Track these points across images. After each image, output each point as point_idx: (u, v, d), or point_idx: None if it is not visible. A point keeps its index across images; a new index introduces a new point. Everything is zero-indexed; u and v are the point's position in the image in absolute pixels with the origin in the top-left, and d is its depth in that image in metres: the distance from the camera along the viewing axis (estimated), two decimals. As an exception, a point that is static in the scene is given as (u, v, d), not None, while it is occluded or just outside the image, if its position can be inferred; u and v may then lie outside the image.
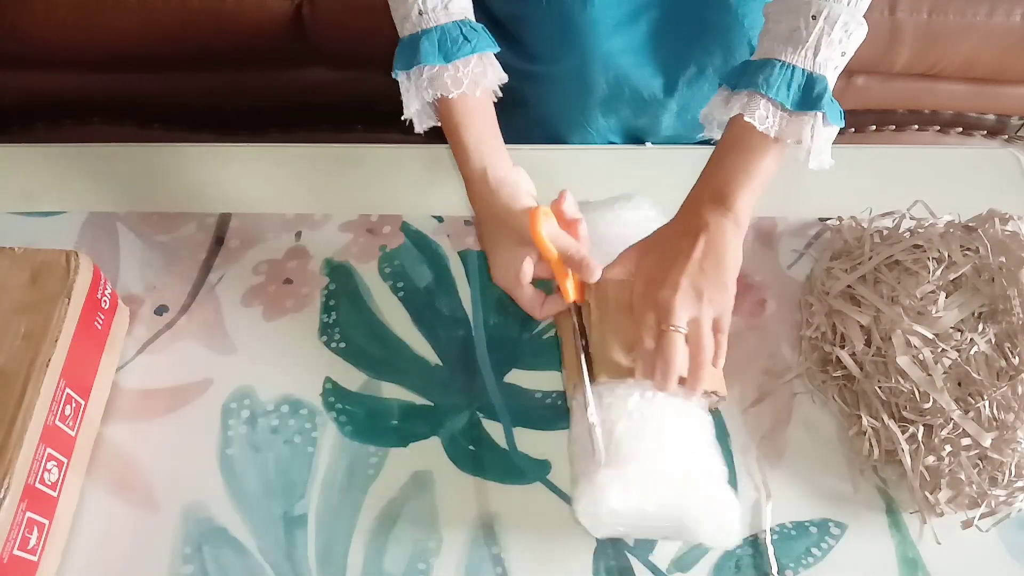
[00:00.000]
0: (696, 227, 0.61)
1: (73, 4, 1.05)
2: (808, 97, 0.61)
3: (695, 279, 0.59)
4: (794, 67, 0.61)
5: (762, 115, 0.61)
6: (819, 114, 0.61)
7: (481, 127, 0.66)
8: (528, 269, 0.62)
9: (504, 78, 0.68)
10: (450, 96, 0.64)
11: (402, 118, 0.67)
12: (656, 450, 0.57)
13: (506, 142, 0.88)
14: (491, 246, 0.65)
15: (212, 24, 1.07)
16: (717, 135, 0.67)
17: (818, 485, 0.63)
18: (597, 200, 0.72)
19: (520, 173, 0.66)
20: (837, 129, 0.63)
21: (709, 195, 0.62)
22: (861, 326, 0.66)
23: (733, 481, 0.63)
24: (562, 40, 0.81)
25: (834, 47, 0.61)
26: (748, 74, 0.62)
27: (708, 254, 0.60)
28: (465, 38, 0.65)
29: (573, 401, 0.62)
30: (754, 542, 0.61)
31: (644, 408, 0.59)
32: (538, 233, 0.60)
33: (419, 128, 0.69)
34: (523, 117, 0.92)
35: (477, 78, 0.65)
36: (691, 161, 0.81)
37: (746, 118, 0.61)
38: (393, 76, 0.66)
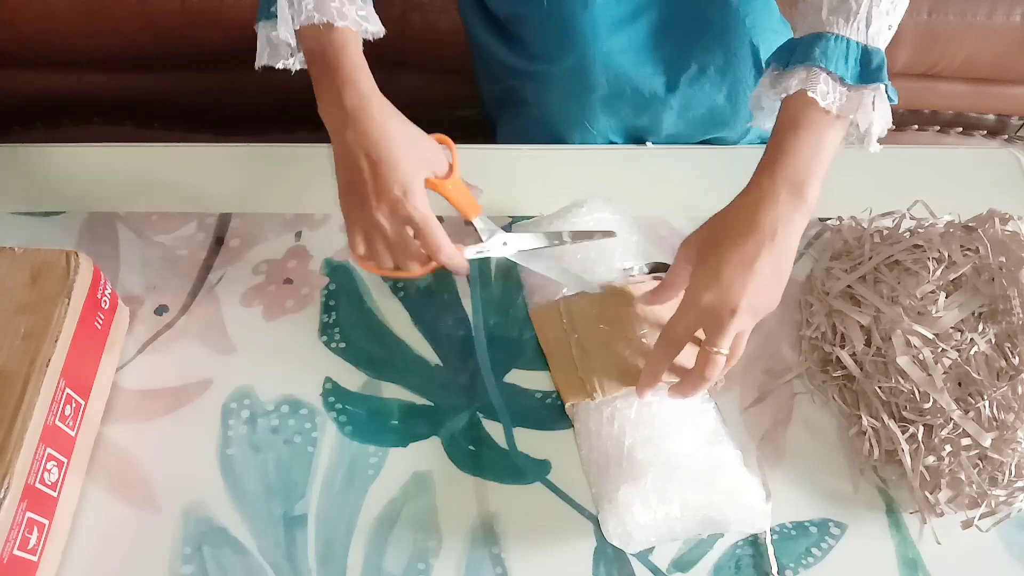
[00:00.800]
0: (769, 228, 0.56)
1: (73, 4, 1.05)
2: (867, 70, 0.57)
3: (754, 299, 0.56)
4: (848, 40, 0.57)
5: (824, 90, 0.56)
6: (881, 87, 0.57)
7: (365, 62, 0.62)
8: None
9: (380, 33, 0.65)
10: (335, 24, 0.61)
11: (256, 24, 0.65)
12: (668, 454, 0.57)
13: (507, 142, 0.88)
14: (405, 166, 0.60)
15: (212, 24, 1.07)
16: (766, 123, 0.63)
17: (818, 485, 0.63)
18: (550, 213, 0.72)
19: None
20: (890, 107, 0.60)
21: (786, 186, 0.57)
22: (861, 326, 0.66)
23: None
24: (562, 39, 0.81)
25: (883, 19, 0.57)
26: (801, 49, 0.58)
27: (775, 265, 0.56)
28: None
29: (576, 422, 0.63)
30: (754, 542, 0.61)
31: (647, 414, 0.59)
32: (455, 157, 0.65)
33: (260, 62, 0.67)
34: (524, 117, 0.92)
35: (361, 21, 0.63)
36: (692, 161, 0.81)
37: (809, 93, 0.56)
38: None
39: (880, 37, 0.58)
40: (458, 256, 0.64)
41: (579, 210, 0.70)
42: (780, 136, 0.58)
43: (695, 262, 0.59)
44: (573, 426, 0.64)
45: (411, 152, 0.61)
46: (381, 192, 0.60)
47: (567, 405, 0.64)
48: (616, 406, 0.60)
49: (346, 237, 0.75)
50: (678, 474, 0.57)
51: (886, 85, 0.57)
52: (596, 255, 0.68)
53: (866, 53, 0.57)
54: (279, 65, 0.67)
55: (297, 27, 0.62)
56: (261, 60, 0.67)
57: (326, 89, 0.62)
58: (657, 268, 0.67)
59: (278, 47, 0.65)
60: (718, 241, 0.57)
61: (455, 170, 0.66)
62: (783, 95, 0.58)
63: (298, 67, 0.67)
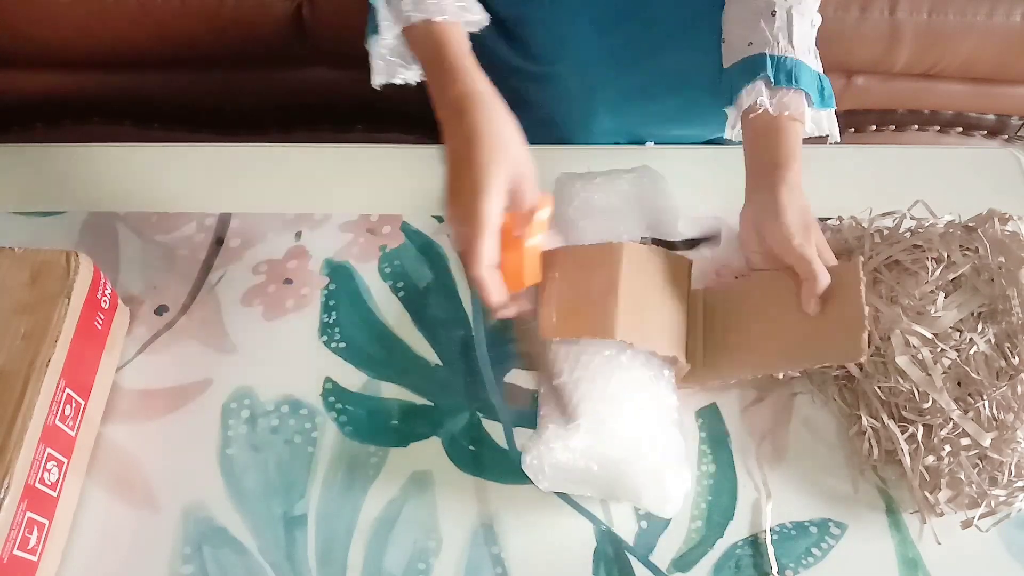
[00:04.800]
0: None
1: (73, 4, 1.05)
2: (823, 96, 0.67)
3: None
4: (809, 68, 0.67)
5: (808, 114, 0.66)
6: (832, 111, 0.68)
7: (470, 53, 0.62)
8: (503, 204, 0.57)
9: (485, 21, 0.66)
10: (434, 20, 0.62)
11: (367, 43, 0.64)
12: (609, 413, 0.58)
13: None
14: (484, 164, 0.56)
15: (212, 24, 1.07)
16: (735, 125, 0.70)
17: (818, 485, 0.63)
18: (602, 171, 0.73)
19: None
20: None
21: (798, 182, 0.65)
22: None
23: (732, 480, 0.63)
24: (563, 40, 0.81)
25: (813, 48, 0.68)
26: (786, 70, 0.66)
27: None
28: None
29: (546, 360, 0.63)
30: (754, 542, 0.61)
31: (607, 371, 0.60)
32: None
33: (377, 80, 0.66)
34: (527, 118, 0.91)
35: (461, 12, 0.63)
36: (692, 161, 0.81)
37: (804, 116, 0.66)
38: (371, 2, 0.63)
39: (819, 65, 0.68)
40: (491, 286, 0.57)
41: (627, 175, 0.72)
42: (779, 144, 0.66)
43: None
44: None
45: (496, 153, 0.57)
46: (455, 190, 0.58)
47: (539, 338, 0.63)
48: (581, 360, 0.61)
49: (345, 236, 0.75)
50: (610, 434, 0.58)
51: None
52: (607, 217, 0.69)
53: (820, 80, 0.67)
54: (398, 80, 0.67)
55: (399, 30, 0.63)
56: (378, 78, 0.66)
57: (433, 85, 0.62)
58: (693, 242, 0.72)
59: (391, 63, 0.66)
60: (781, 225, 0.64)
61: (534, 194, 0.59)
62: (782, 112, 0.65)
63: (417, 80, 0.66)
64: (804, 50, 0.66)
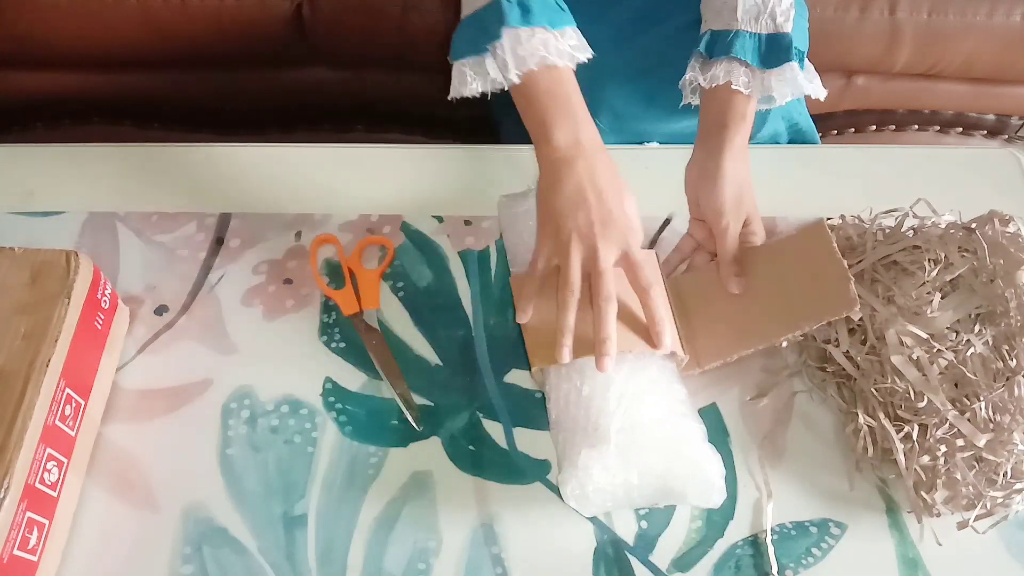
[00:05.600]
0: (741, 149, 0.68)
1: (73, 4, 1.05)
2: (777, 54, 0.67)
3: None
4: (759, 35, 0.67)
5: (745, 81, 0.67)
6: (794, 63, 0.67)
7: (580, 96, 0.64)
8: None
9: (588, 57, 0.66)
10: (559, 65, 0.62)
11: (451, 96, 0.64)
12: (633, 421, 0.58)
13: (514, 142, 0.88)
14: (618, 190, 0.62)
15: (212, 24, 1.07)
16: (693, 100, 0.72)
17: (818, 485, 0.63)
18: (523, 190, 0.73)
19: None
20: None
21: (742, 150, 0.67)
22: (856, 324, 0.65)
23: (733, 480, 0.63)
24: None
25: (787, 11, 0.67)
26: (723, 44, 0.67)
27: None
28: (560, 7, 0.65)
29: (547, 386, 0.63)
30: (754, 542, 0.61)
31: (617, 381, 0.60)
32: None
33: (460, 92, 0.65)
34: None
35: (573, 52, 0.64)
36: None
37: (733, 86, 0.66)
38: (500, 35, 0.62)
39: (788, 23, 0.67)
40: (667, 325, 0.61)
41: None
42: (722, 117, 0.68)
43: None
44: (544, 391, 0.64)
45: (622, 197, 0.63)
46: (607, 219, 0.61)
47: (533, 370, 0.63)
48: (586, 373, 0.60)
49: (345, 236, 0.75)
50: (640, 441, 0.57)
51: (799, 60, 0.67)
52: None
53: (774, 40, 0.67)
54: (473, 94, 0.65)
55: (523, 70, 0.62)
56: (460, 91, 0.65)
57: (558, 124, 0.63)
58: None
59: (480, 77, 0.64)
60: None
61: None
62: (713, 84, 0.67)
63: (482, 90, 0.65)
64: (748, 20, 0.66)
